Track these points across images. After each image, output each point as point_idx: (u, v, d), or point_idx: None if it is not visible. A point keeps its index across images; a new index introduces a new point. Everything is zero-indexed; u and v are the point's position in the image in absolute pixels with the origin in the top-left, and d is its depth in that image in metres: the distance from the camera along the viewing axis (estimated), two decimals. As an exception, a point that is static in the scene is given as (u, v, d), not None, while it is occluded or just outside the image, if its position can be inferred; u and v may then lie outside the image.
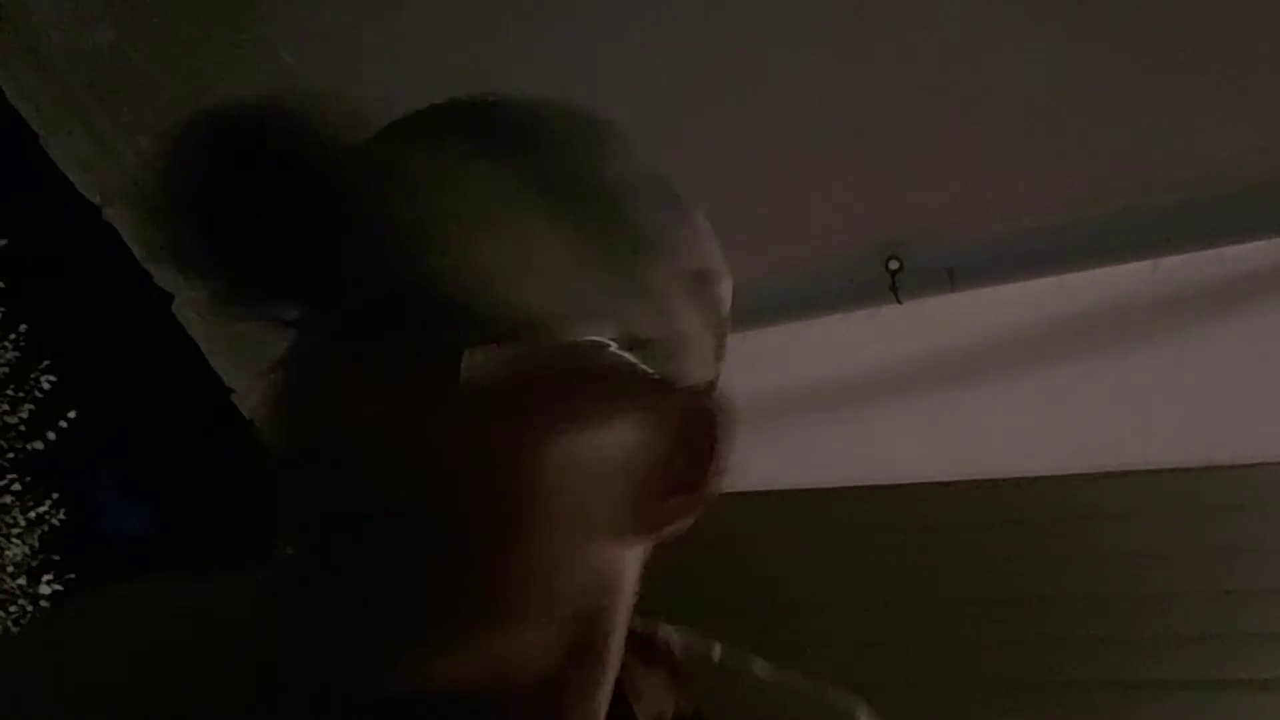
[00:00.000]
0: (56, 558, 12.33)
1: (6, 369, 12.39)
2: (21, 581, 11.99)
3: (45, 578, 12.07)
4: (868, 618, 2.57)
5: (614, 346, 0.47)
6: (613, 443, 0.49)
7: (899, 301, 1.44)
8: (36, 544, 12.31)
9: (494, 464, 0.45)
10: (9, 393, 12.35)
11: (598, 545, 0.50)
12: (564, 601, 0.49)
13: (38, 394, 12.32)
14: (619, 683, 0.55)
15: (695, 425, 0.54)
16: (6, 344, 12.45)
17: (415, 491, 0.45)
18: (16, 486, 12.31)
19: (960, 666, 2.50)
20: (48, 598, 11.93)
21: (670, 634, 0.62)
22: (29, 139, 1.40)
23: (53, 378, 12.37)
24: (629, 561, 0.53)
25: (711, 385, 0.56)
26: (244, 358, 1.71)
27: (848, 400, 1.74)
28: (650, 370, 0.49)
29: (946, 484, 2.11)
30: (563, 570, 0.48)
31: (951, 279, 1.43)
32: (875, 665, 2.52)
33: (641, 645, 0.59)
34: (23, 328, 12.51)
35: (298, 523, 0.46)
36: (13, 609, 11.77)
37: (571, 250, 0.46)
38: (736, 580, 2.60)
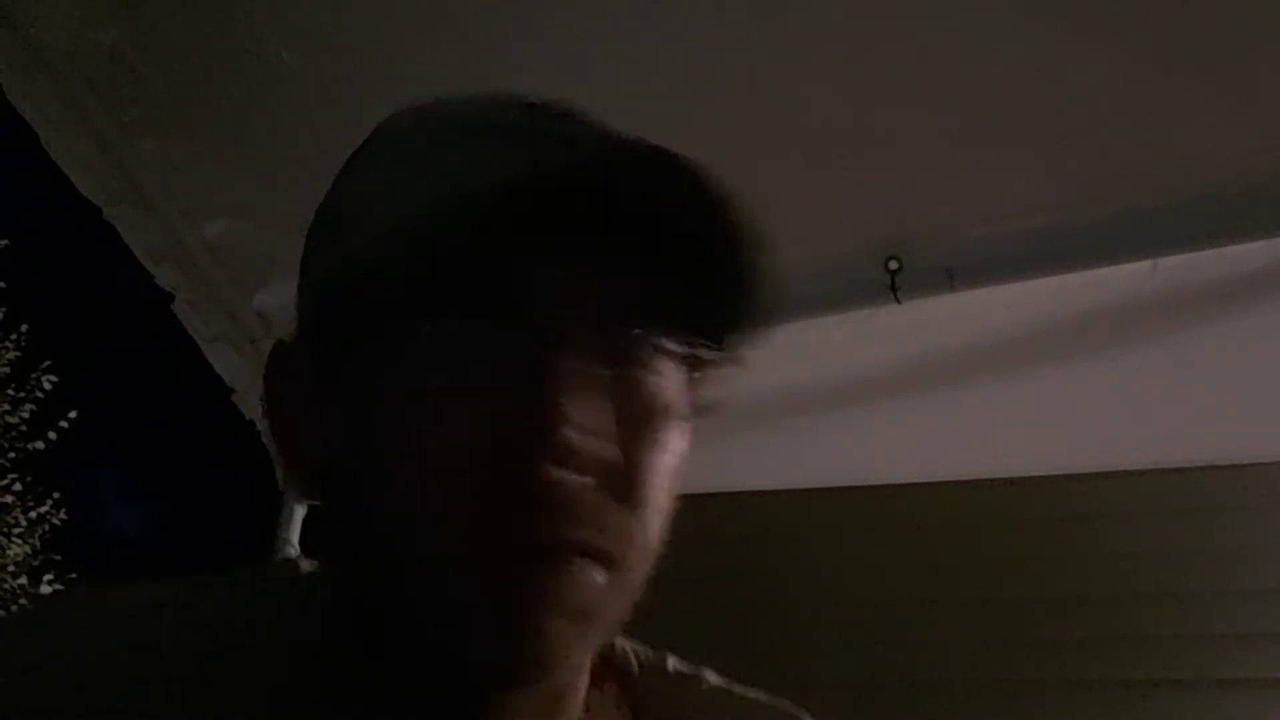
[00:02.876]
0: (57, 558, 12.32)
1: (7, 369, 12.37)
2: (23, 581, 11.98)
3: (46, 577, 12.06)
4: (868, 618, 2.57)
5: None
6: (684, 446, 0.52)
7: (899, 301, 1.44)
8: (37, 544, 12.29)
9: (653, 473, 0.48)
10: (10, 393, 12.33)
11: None
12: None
13: (39, 394, 12.31)
14: None
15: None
16: (7, 344, 12.44)
17: (618, 512, 0.47)
18: (17, 486, 12.28)
19: (960, 666, 2.50)
20: (48, 598, 11.93)
21: (626, 644, 0.62)
22: (29, 139, 1.41)
23: (53, 378, 12.35)
24: None
25: None
26: (244, 358, 1.71)
27: (848, 400, 1.74)
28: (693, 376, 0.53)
29: (946, 484, 2.11)
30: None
31: (951, 279, 1.43)
32: (875, 665, 2.52)
33: (597, 655, 0.60)
34: (24, 328, 12.51)
35: (499, 541, 0.44)
36: (14, 609, 11.77)
37: None
38: (737, 580, 2.60)
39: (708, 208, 0.45)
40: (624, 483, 0.47)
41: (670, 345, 0.49)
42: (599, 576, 0.46)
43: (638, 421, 0.48)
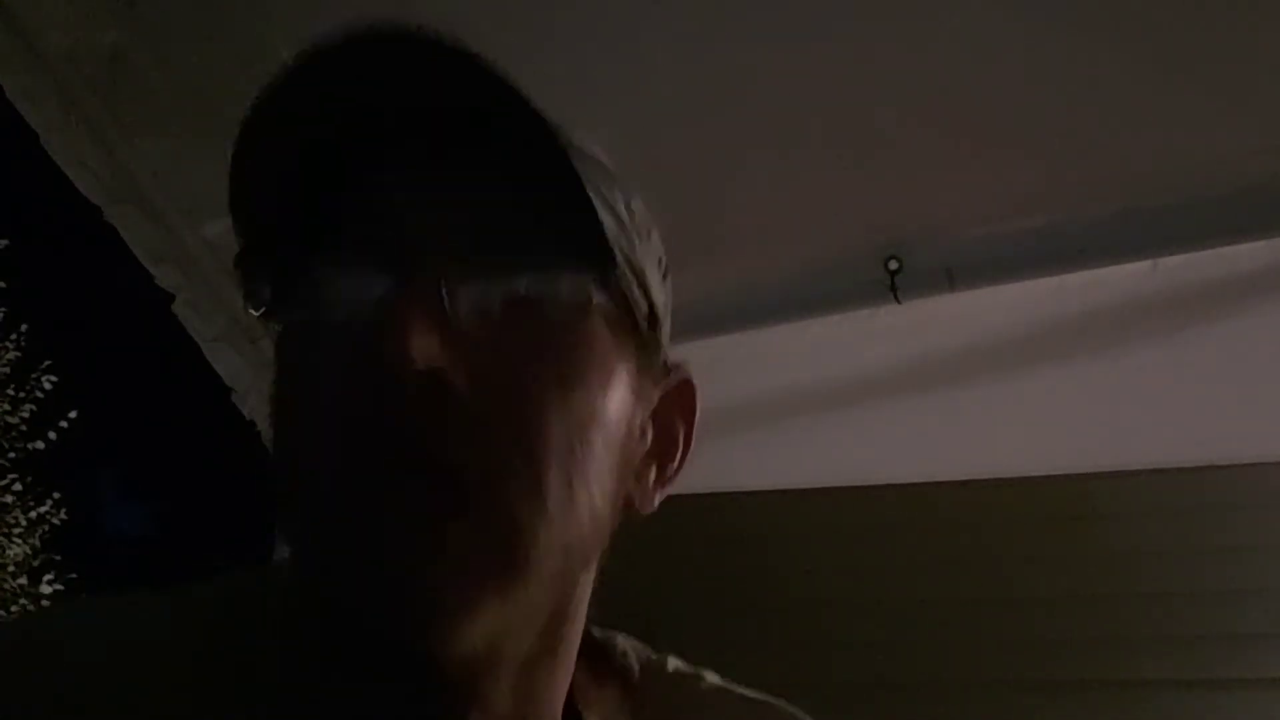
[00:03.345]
0: (57, 558, 12.33)
1: (7, 369, 12.38)
2: (23, 581, 11.99)
3: (46, 577, 12.06)
4: (868, 618, 2.57)
5: (608, 309, 0.50)
6: (614, 404, 0.50)
7: (899, 301, 1.44)
8: (38, 544, 12.30)
9: (542, 410, 0.46)
10: (10, 393, 12.34)
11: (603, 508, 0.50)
12: (591, 551, 0.51)
13: (39, 394, 12.32)
14: (572, 690, 0.56)
15: (673, 400, 0.56)
16: (8, 344, 12.45)
17: (485, 440, 0.45)
18: (17, 486, 12.30)
19: (960, 666, 2.50)
20: (49, 597, 11.92)
21: (628, 645, 0.62)
22: (29, 139, 1.40)
23: (54, 378, 12.36)
24: (601, 543, 0.52)
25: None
26: (244, 358, 1.71)
27: (848, 400, 1.74)
28: (638, 339, 0.52)
29: (947, 484, 2.11)
30: (596, 518, 0.49)
31: (951, 279, 1.43)
32: (875, 665, 2.52)
33: (597, 655, 0.60)
34: (24, 328, 12.52)
35: (353, 478, 0.44)
36: (14, 609, 11.76)
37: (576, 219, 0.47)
38: (737, 580, 2.60)
39: (534, 139, 0.46)
40: (500, 413, 0.45)
41: (534, 279, 0.48)
42: (480, 512, 0.45)
43: (528, 359, 0.47)
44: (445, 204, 0.48)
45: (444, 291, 0.45)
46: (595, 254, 0.48)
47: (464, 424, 0.45)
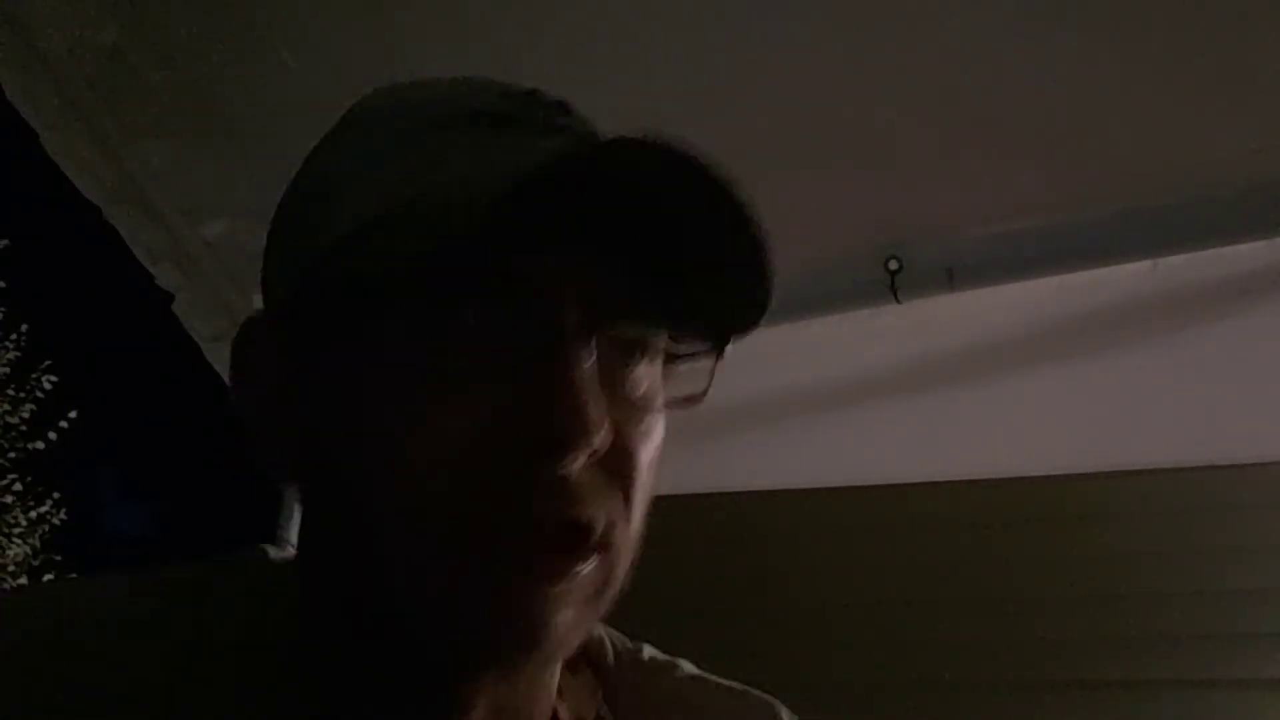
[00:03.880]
0: (57, 558, 12.34)
1: (7, 369, 12.38)
2: (23, 581, 11.99)
3: (46, 577, 12.06)
4: (868, 618, 2.57)
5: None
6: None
7: (899, 301, 1.44)
8: (38, 544, 12.31)
9: (645, 461, 0.49)
10: (10, 393, 12.34)
11: None
12: None
13: (39, 394, 12.32)
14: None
15: None
16: (8, 344, 12.45)
17: (609, 497, 0.47)
18: (17, 486, 12.30)
19: (960, 666, 2.50)
20: (48, 597, 11.91)
21: (602, 633, 0.62)
22: (29, 139, 1.40)
23: (54, 378, 12.36)
24: None
25: None
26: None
27: (848, 400, 1.74)
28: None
29: (946, 484, 2.11)
30: None
31: (951, 279, 1.43)
32: (875, 665, 2.52)
33: None
34: (24, 328, 12.52)
35: (490, 520, 0.45)
36: None
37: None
38: (737, 580, 2.60)
39: (717, 204, 0.45)
40: (616, 468, 0.47)
41: (670, 341, 0.49)
42: (598, 560, 0.47)
43: (628, 409, 0.48)
44: (620, 263, 0.47)
45: (610, 358, 0.46)
46: (720, 333, 0.50)
47: (597, 486, 0.47)
